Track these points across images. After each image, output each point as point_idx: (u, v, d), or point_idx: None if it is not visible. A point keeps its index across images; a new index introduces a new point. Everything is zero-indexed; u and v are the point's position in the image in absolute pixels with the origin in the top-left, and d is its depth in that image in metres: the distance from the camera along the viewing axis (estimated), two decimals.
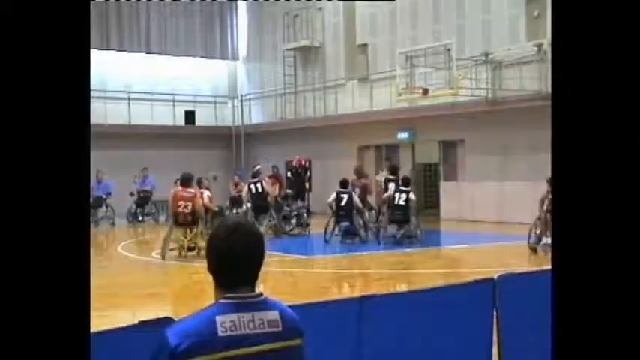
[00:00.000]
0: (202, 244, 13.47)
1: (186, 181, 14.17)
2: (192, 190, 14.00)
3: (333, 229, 15.99)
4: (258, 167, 18.87)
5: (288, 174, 22.24)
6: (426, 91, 18.98)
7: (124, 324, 3.37)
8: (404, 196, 15.34)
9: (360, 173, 17.90)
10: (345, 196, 15.83)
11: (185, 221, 13.76)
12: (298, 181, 20.69)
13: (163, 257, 13.57)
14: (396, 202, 15.32)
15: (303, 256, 15.08)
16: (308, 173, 23.41)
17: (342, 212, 15.79)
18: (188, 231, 13.75)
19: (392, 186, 15.98)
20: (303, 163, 22.72)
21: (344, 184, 16.22)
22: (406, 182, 15.82)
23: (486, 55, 20.12)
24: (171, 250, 13.86)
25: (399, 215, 15.35)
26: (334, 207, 15.87)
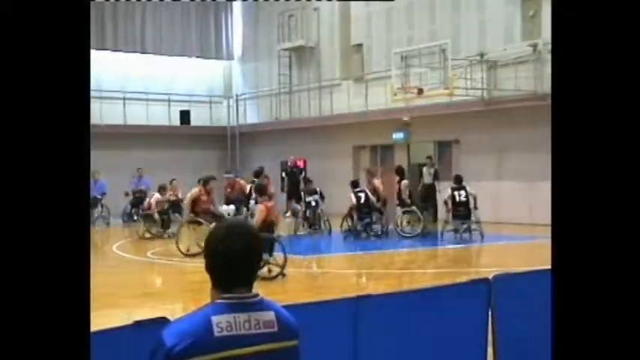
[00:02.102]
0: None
1: (206, 182, 14.66)
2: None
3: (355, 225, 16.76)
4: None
5: (283, 174, 22.21)
6: (421, 91, 19.01)
7: (119, 324, 3.37)
8: (463, 192, 16.42)
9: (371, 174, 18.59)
10: (362, 194, 16.84)
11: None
12: (293, 181, 20.65)
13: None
14: (457, 200, 16.35)
15: (302, 256, 15.07)
16: (303, 173, 23.37)
17: (366, 209, 16.75)
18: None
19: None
20: (297, 163, 22.68)
21: (355, 184, 17.35)
22: (459, 179, 16.86)
23: (482, 55, 20.15)
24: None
25: (462, 212, 16.34)
26: (355, 205, 16.84)
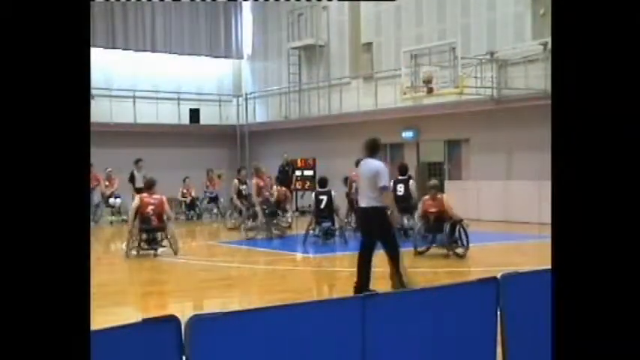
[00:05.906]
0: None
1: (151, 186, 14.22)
2: (157, 196, 14.16)
3: (314, 230, 15.50)
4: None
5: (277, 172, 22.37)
6: (430, 90, 18.96)
7: (128, 321, 3.38)
8: (403, 186, 15.10)
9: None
10: (325, 197, 15.43)
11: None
12: (284, 179, 20.73)
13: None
14: (397, 194, 14.47)
15: (293, 254, 15.09)
16: (294, 172, 23.45)
17: (324, 213, 15.35)
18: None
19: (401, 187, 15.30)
20: (289, 160, 22.73)
21: (322, 182, 15.96)
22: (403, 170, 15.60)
23: (491, 53, 20.09)
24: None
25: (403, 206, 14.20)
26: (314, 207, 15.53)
